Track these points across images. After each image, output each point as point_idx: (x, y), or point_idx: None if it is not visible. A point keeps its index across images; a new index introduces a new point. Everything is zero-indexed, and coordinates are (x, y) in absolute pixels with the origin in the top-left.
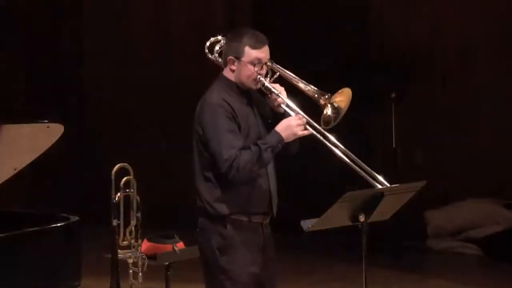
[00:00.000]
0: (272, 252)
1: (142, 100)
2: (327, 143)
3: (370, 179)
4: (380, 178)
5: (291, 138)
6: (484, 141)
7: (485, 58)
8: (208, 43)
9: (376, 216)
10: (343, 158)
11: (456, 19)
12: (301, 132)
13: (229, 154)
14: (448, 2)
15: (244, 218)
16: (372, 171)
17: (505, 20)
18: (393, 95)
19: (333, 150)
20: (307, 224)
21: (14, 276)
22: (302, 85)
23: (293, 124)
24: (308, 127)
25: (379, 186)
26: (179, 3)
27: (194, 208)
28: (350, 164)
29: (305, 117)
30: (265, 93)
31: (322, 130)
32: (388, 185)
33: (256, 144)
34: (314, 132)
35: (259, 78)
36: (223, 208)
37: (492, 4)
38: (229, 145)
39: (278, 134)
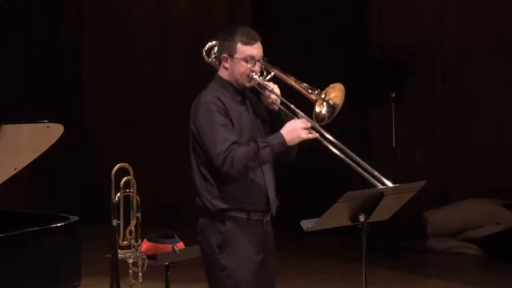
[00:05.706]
0: (272, 250)
1: (142, 100)
2: (332, 148)
3: (374, 181)
4: (384, 179)
5: (295, 141)
6: (484, 141)
7: (485, 57)
8: (206, 47)
9: (376, 216)
10: (347, 161)
11: (456, 18)
12: (305, 135)
13: (222, 147)
14: (448, 2)
15: (243, 215)
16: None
17: (504, 19)
18: (393, 95)
19: (338, 155)
20: (307, 224)
21: (14, 276)
22: (293, 82)
23: (298, 127)
24: (312, 130)
25: (380, 186)
26: (179, 2)
27: (194, 208)
28: (354, 167)
29: (305, 118)
30: (259, 91)
31: (326, 134)
32: (390, 184)
33: (254, 141)
34: (319, 137)
35: (252, 75)
36: (221, 204)
37: (492, 3)
38: (222, 138)
39: (281, 135)
